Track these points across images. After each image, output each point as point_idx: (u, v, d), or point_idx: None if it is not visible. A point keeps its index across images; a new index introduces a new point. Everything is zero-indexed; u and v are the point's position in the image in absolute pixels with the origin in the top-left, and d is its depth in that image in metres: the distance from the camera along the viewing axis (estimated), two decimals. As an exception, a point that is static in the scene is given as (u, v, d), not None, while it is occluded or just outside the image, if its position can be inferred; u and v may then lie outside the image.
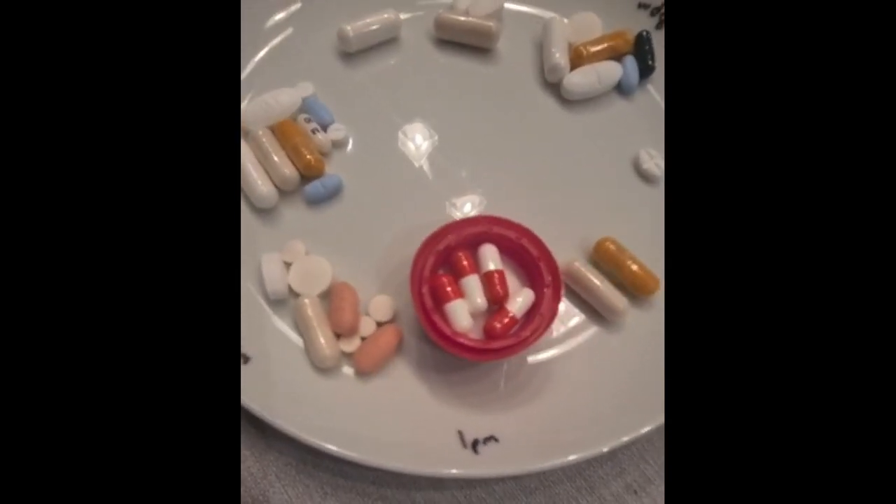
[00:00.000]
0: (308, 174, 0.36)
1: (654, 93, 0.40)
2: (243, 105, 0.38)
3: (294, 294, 0.33)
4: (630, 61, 0.40)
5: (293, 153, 0.36)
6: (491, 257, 0.32)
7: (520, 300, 0.31)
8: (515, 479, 0.31)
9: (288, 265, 0.34)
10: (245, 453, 0.31)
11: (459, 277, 0.31)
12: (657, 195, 0.38)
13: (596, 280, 0.33)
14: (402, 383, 0.32)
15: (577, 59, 0.39)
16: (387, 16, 0.40)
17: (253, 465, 0.31)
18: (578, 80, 0.39)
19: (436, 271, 0.31)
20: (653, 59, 0.40)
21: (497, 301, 0.31)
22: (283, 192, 0.36)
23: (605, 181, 0.38)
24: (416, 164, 0.38)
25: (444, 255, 0.32)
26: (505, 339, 0.29)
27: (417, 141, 0.39)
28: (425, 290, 0.30)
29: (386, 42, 0.41)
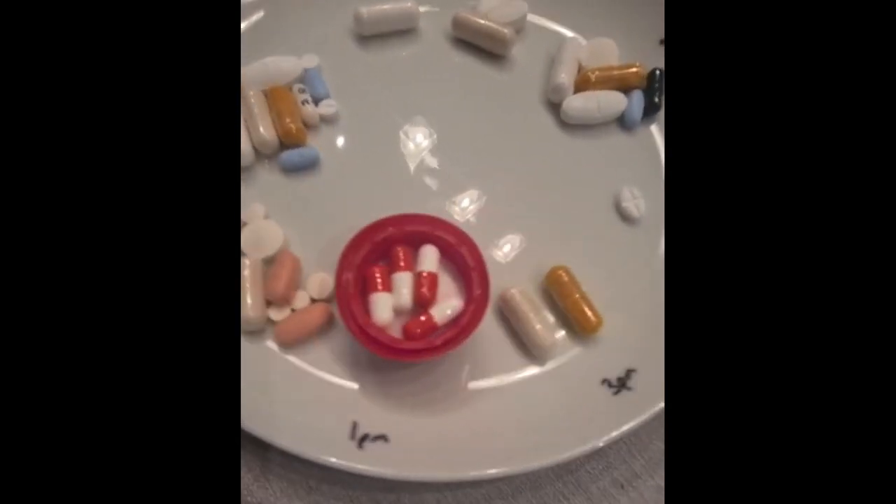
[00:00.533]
0: (287, 141, 0.37)
1: (655, 132, 0.39)
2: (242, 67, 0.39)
3: (241, 254, 0.34)
4: (637, 96, 0.38)
5: (277, 118, 0.37)
6: (428, 259, 0.31)
7: (445, 308, 0.30)
8: (504, 478, 0.31)
9: (243, 225, 0.35)
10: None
11: (393, 272, 0.31)
12: (630, 234, 0.36)
13: (529, 312, 0.32)
14: (317, 364, 0.32)
15: (584, 83, 0.38)
16: (406, 5, 0.40)
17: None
18: (578, 104, 0.38)
19: (370, 261, 0.31)
20: (661, 97, 0.38)
21: (423, 303, 0.30)
22: (261, 155, 0.37)
23: (584, 210, 0.37)
24: (402, 157, 0.38)
25: (382, 247, 0.31)
26: (414, 343, 0.29)
27: (409, 134, 0.39)
28: (350, 276, 0.30)
29: (402, 32, 0.41)
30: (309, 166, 0.37)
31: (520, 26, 0.41)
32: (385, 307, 0.30)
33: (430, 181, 0.37)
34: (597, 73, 0.38)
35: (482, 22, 0.40)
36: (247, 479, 0.30)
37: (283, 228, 0.35)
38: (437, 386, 0.32)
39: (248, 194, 0.36)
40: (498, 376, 0.32)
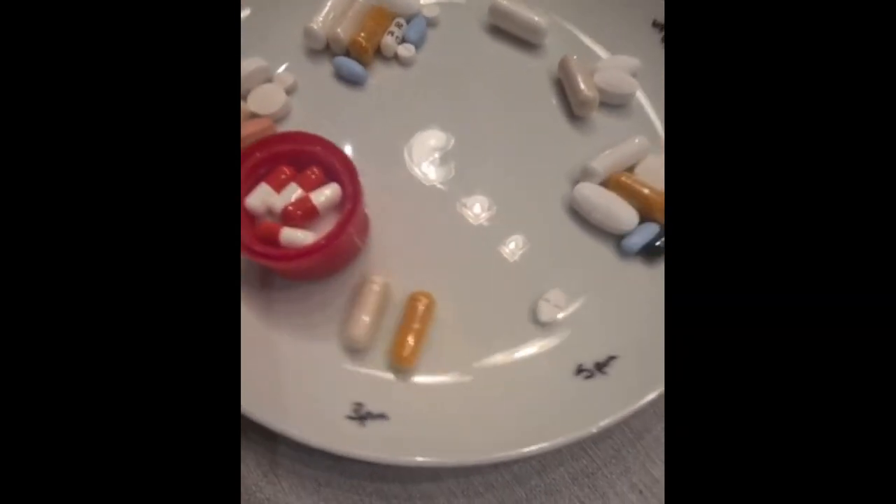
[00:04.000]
0: (351, 50, 0.39)
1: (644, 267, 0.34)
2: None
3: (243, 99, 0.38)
4: (650, 228, 0.34)
5: (359, 29, 0.39)
6: (326, 195, 0.32)
7: (296, 234, 0.31)
8: (510, 469, 0.31)
9: (269, 80, 0.39)
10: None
11: (293, 181, 0.32)
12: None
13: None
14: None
15: (613, 183, 0.35)
16: (535, 19, 0.40)
17: (244, 454, 0.31)
18: (588, 194, 0.35)
19: (285, 160, 0.33)
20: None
21: (287, 218, 0.31)
22: (331, 48, 0.40)
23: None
24: (431, 135, 0.38)
25: (301, 157, 0.32)
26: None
27: (452, 125, 0.39)
28: (260, 156, 0.32)
29: (524, 41, 0.41)
30: (353, 81, 0.39)
31: (623, 102, 0.39)
32: (260, 199, 0.32)
33: (464, 173, 0.37)
34: (631, 181, 0.34)
35: (579, 76, 0.38)
36: (255, 475, 0.31)
37: (296, 110, 0.38)
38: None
39: (293, 66, 0.40)
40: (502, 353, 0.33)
